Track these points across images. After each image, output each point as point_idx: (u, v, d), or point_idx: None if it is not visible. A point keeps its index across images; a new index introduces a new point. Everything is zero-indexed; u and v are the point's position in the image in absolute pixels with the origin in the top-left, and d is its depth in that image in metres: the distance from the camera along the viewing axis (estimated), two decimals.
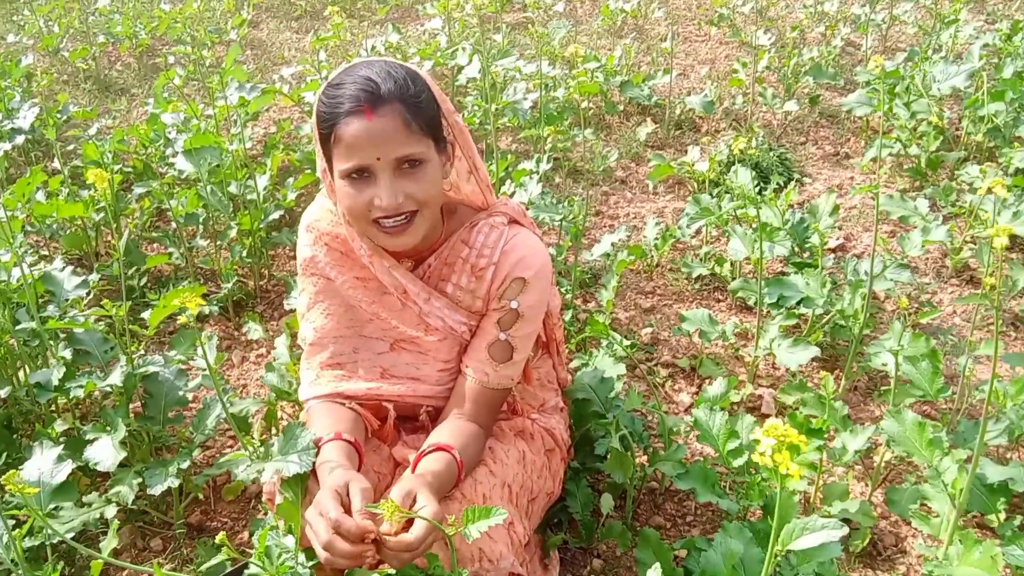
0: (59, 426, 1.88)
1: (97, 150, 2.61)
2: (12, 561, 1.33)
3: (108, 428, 1.73)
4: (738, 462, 1.77)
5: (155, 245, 2.93)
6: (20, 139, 3.30)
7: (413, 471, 1.41)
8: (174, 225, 2.66)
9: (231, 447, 2.13)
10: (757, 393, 2.23)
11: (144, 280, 2.60)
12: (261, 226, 2.60)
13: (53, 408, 2.03)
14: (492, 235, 1.51)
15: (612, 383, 1.87)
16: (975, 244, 2.69)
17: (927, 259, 2.76)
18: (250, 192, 2.66)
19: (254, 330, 2.48)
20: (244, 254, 2.57)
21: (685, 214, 2.59)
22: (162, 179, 3.05)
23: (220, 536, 1.21)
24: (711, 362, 2.31)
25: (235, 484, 2.01)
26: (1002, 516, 1.51)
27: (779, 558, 0.98)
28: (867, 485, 1.91)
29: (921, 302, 2.55)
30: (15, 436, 2.02)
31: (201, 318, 2.41)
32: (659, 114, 3.87)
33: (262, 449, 1.43)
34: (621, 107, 3.91)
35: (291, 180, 2.81)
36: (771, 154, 3.32)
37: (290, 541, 1.30)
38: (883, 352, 1.80)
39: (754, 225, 2.31)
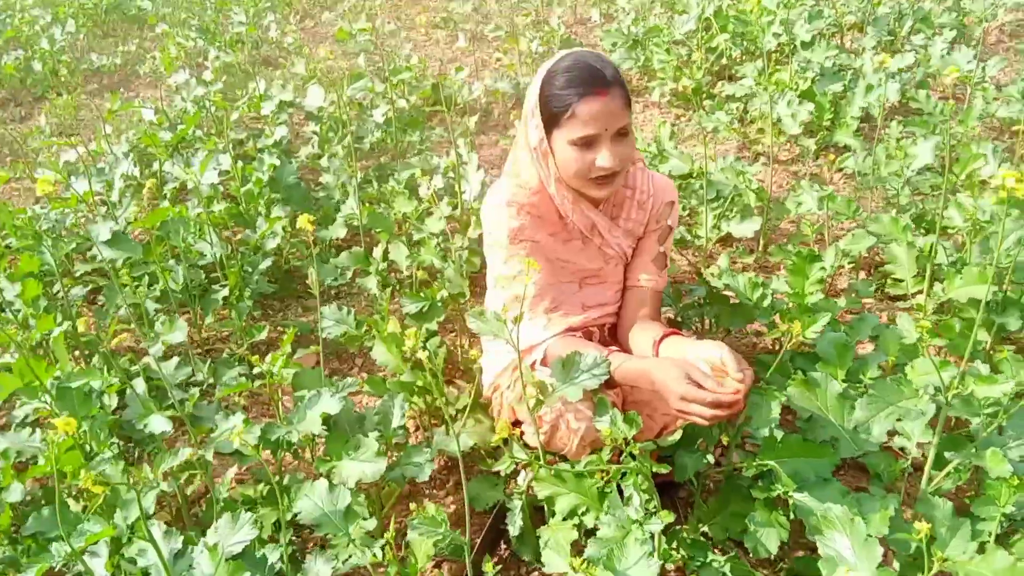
0: None
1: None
2: None
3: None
4: (765, 303, 2.47)
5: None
6: None
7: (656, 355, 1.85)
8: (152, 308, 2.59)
9: None
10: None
11: None
12: (256, 276, 2.65)
13: None
14: (642, 176, 1.99)
15: None
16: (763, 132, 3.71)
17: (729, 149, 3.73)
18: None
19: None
20: (251, 306, 2.61)
21: None
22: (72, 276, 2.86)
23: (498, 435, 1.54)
24: None
25: None
26: None
27: None
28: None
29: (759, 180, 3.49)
30: None
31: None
32: (463, 107, 4.39)
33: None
34: (427, 108, 4.37)
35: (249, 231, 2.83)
36: None
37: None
38: (805, 197, 2.62)
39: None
